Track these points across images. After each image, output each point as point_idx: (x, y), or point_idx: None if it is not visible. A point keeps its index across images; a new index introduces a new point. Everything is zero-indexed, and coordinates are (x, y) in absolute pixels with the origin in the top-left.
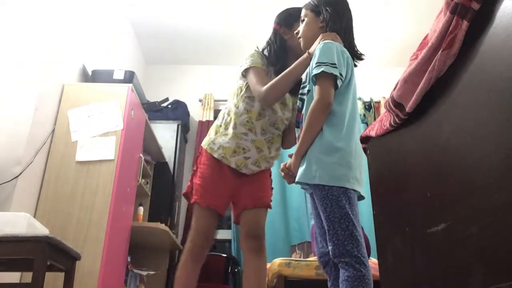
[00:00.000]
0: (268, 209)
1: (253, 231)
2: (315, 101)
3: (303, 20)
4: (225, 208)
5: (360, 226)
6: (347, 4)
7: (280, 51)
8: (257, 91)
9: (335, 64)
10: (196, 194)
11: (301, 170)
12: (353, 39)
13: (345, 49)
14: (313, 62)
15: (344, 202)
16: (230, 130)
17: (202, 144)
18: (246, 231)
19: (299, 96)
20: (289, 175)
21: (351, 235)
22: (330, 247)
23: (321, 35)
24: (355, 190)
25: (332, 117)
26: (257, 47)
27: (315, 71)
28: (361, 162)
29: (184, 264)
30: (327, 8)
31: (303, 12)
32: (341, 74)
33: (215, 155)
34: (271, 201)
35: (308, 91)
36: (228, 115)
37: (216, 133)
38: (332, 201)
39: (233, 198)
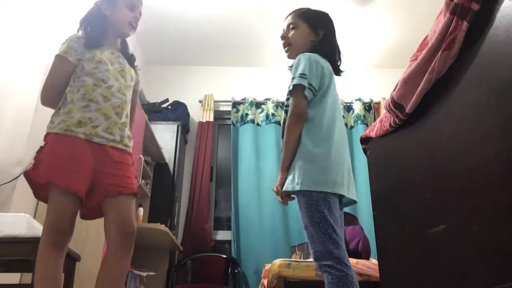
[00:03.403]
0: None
1: (128, 225)
2: (288, 114)
3: (294, 27)
4: (86, 192)
5: (342, 231)
6: (333, 24)
7: (100, 29)
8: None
9: (305, 74)
10: (48, 172)
11: (287, 180)
12: (339, 58)
13: (320, 59)
14: (291, 77)
15: (323, 207)
16: (69, 106)
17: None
18: (119, 224)
19: (285, 108)
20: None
21: (330, 237)
22: (312, 251)
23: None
24: (335, 194)
25: (309, 124)
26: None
27: (289, 87)
28: (342, 166)
29: (45, 256)
30: (322, 27)
31: (292, 18)
32: (310, 84)
33: (56, 131)
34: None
35: None
36: (64, 96)
37: (53, 115)
38: (312, 206)
39: (94, 180)
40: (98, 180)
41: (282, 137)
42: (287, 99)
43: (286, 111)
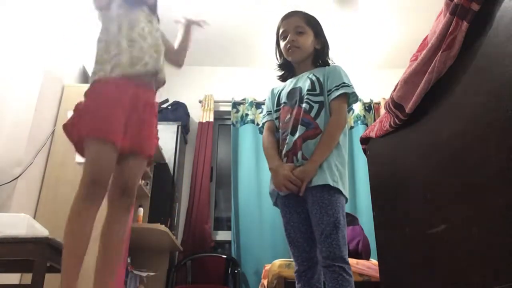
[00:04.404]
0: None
1: (130, 187)
2: (341, 120)
3: (301, 32)
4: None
5: None
6: None
7: None
8: None
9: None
10: (86, 126)
11: (323, 174)
12: None
13: None
14: (337, 81)
15: (344, 213)
16: (118, 48)
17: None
18: (121, 186)
19: (307, 100)
20: (295, 182)
21: (345, 243)
22: (326, 249)
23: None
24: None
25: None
26: None
27: (346, 90)
28: None
29: (79, 212)
30: (322, 35)
31: (299, 22)
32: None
33: (114, 75)
34: (153, 151)
35: (321, 102)
36: (105, 43)
37: (99, 63)
38: (339, 208)
39: (125, 128)
40: (128, 129)
41: (303, 124)
42: (314, 95)
43: (309, 104)
